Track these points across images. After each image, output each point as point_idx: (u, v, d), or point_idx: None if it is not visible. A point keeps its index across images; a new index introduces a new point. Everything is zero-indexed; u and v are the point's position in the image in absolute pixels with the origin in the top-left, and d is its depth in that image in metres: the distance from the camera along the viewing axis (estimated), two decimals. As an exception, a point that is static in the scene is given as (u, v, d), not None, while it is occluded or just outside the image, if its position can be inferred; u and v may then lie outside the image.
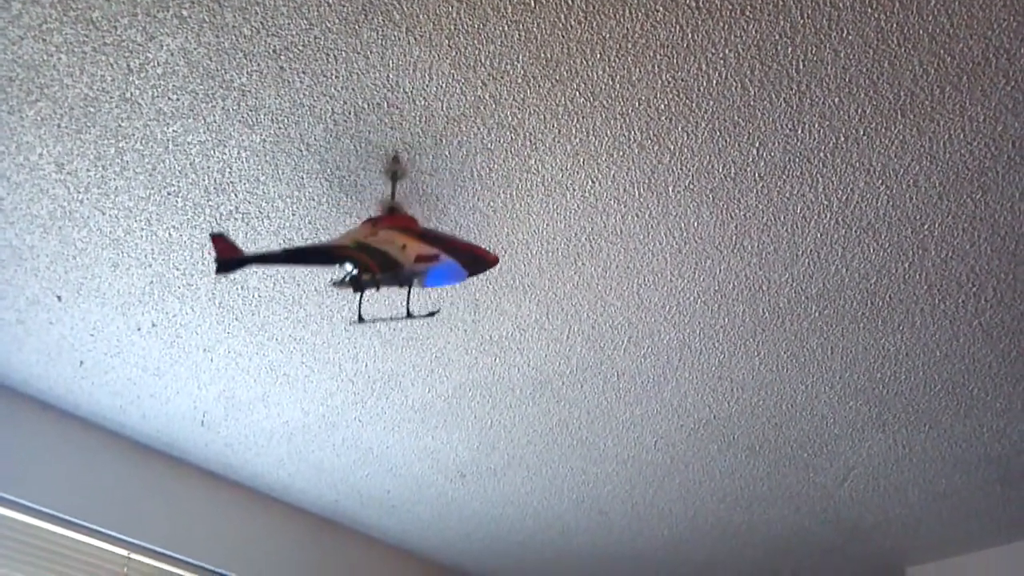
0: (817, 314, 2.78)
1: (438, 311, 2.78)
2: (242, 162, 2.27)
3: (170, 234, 2.50)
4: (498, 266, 2.60)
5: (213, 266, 2.57)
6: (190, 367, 3.03)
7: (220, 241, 2.15)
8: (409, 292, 2.52)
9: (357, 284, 2.38)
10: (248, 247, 2.53)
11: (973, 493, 3.78)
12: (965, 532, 4.13)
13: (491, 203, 2.40)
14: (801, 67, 2.05)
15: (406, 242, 2.32)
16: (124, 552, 3.37)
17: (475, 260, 2.35)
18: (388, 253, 2.31)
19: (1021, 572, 4.18)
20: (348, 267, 2.25)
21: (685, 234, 2.50)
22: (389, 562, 4.27)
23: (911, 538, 4.18)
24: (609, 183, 2.34)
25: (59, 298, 2.73)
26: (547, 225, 2.47)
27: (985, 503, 3.87)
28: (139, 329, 2.85)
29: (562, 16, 1.95)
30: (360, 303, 2.71)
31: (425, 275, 2.39)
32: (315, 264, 2.38)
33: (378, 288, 2.40)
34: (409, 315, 2.45)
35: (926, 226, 2.47)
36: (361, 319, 2.74)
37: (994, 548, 4.28)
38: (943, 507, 3.90)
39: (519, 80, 2.08)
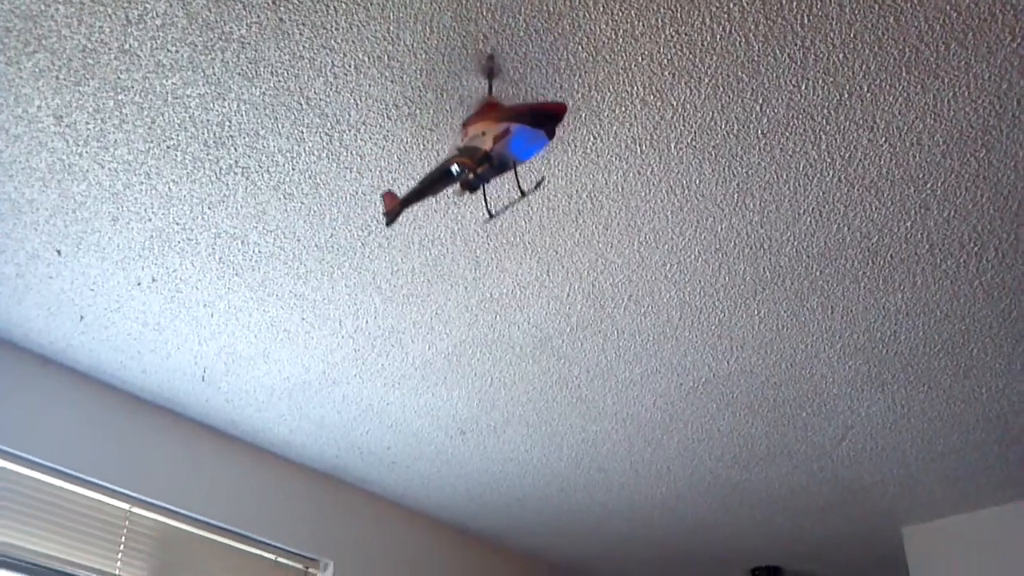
0: (818, 273, 2.78)
1: (543, 180, 2.66)
2: (241, 115, 2.26)
3: (170, 188, 2.48)
4: (498, 222, 2.60)
5: (217, 222, 2.58)
6: (190, 322, 3.03)
7: (388, 197, 2.26)
8: (516, 173, 2.52)
9: (467, 184, 2.41)
10: (248, 202, 2.52)
11: (970, 453, 3.80)
12: (962, 492, 4.16)
13: (492, 159, 2.39)
14: (806, 22, 2.03)
15: (485, 128, 2.33)
16: (125, 506, 3.39)
17: (543, 117, 2.32)
18: (475, 146, 2.32)
19: (1017, 532, 4.21)
20: (455, 171, 2.28)
21: (687, 192, 2.49)
22: (389, 518, 4.29)
23: (908, 498, 4.21)
24: (611, 140, 2.33)
25: (59, 252, 2.72)
26: (548, 181, 2.46)
27: (982, 463, 3.89)
28: (139, 284, 2.85)
29: (565, -32, 1.93)
30: (485, 201, 2.69)
31: (509, 152, 2.39)
32: (441, 185, 2.41)
33: (487, 181, 2.41)
34: (522, 193, 2.45)
35: (929, 185, 2.46)
36: (490, 215, 2.73)
37: (991, 508, 4.31)
38: (940, 467, 3.91)
39: (520, 33, 2.07)
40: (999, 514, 4.28)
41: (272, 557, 3.82)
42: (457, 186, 2.45)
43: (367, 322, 3.02)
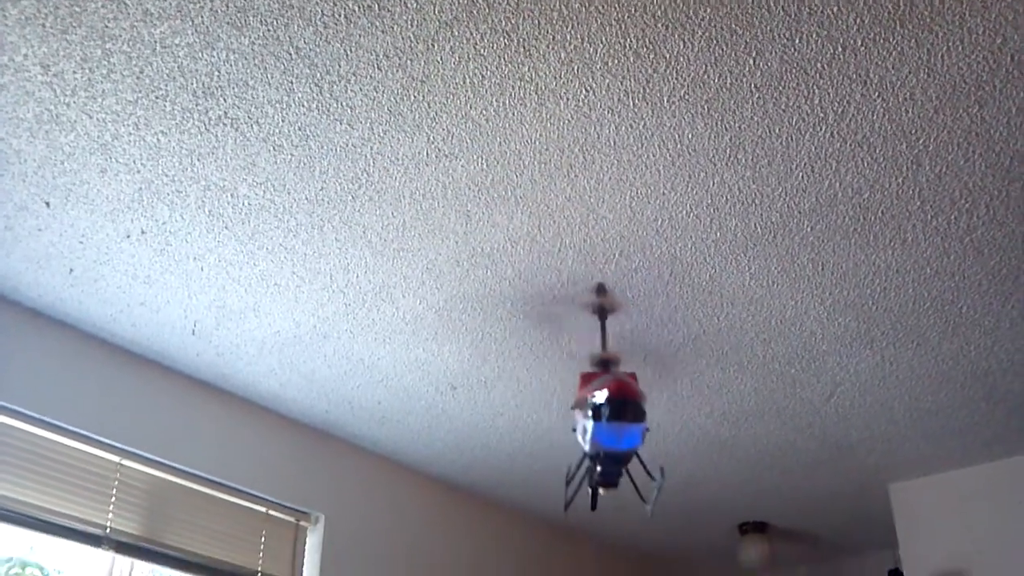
0: (809, 229, 2.78)
1: (663, 470, 3.07)
2: (231, 65, 2.24)
3: (158, 139, 2.47)
4: (488, 176, 2.59)
5: (206, 174, 2.56)
6: (180, 276, 3.02)
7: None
8: (641, 461, 2.85)
9: (604, 485, 2.82)
10: (238, 153, 2.51)
11: (958, 410, 3.83)
12: (949, 449, 4.19)
13: (483, 111, 2.37)
14: (800, -26, 2.02)
15: (578, 415, 2.74)
16: (116, 458, 3.40)
17: (613, 406, 2.55)
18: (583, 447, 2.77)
19: (1001, 489, 4.25)
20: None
21: (679, 146, 2.48)
22: (380, 473, 4.32)
23: (895, 454, 4.25)
24: (603, 93, 2.31)
25: (47, 204, 2.70)
26: (540, 135, 2.45)
27: (969, 420, 3.92)
28: (128, 236, 2.84)
29: (558, -83, 1.91)
30: (640, 496, 3.11)
31: (603, 447, 2.62)
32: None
33: (616, 474, 2.76)
34: (651, 478, 2.82)
35: (921, 141, 2.45)
36: (648, 508, 3.12)
37: (977, 465, 4.35)
38: (928, 424, 3.94)
39: (513, -16, 2.04)
40: (986, 471, 4.33)
41: (263, 510, 3.84)
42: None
43: (357, 276, 3.02)
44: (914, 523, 4.47)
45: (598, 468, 2.77)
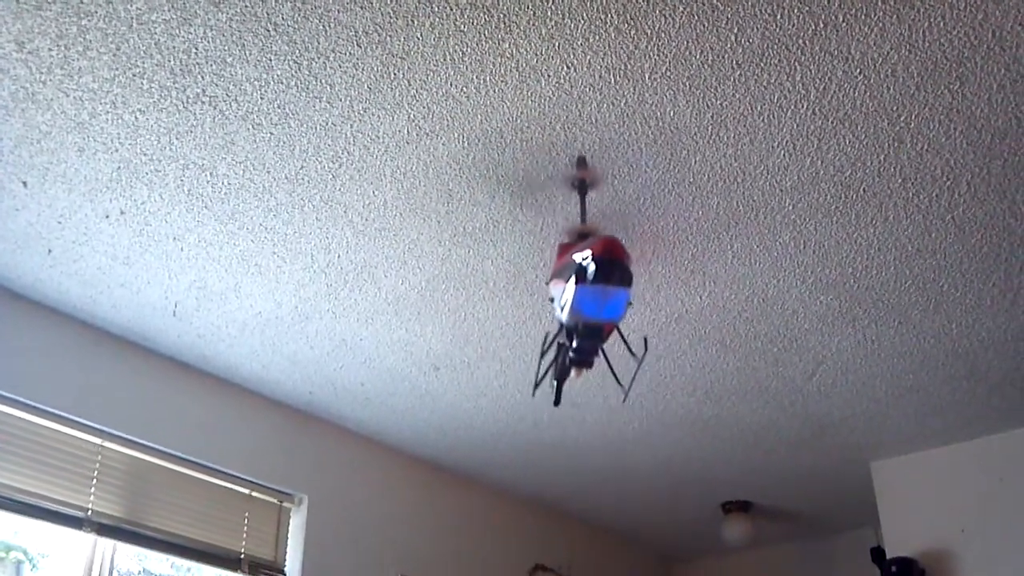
0: (791, 207, 2.78)
1: (646, 340, 2.97)
2: (208, 42, 2.21)
3: (136, 118, 2.44)
4: (469, 155, 2.57)
5: (184, 153, 2.54)
6: (160, 256, 3.00)
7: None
8: (622, 336, 2.60)
9: (578, 364, 2.57)
10: (217, 132, 2.48)
11: (939, 389, 3.84)
12: (930, 428, 4.21)
13: (464, 89, 2.35)
14: (782, -51, 2.01)
15: (554, 285, 2.49)
16: (97, 440, 3.39)
17: (599, 266, 2.28)
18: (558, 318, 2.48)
19: (982, 467, 4.27)
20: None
21: (661, 124, 2.47)
22: (363, 453, 4.31)
23: (877, 433, 4.26)
24: (584, 69, 2.30)
25: (24, 184, 2.68)
26: (521, 113, 2.43)
27: (951, 399, 3.93)
28: (107, 216, 2.81)
29: None
30: (616, 378, 2.86)
31: (584, 316, 2.37)
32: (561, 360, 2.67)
33: (591, 351, 2.51)
34: (633, 355, 2.62)
35: (903, 118, 2.45)
36: (625, 395, 2.97)
37: (957, 444, 4.37)
38: (909, 402, 3.96)
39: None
40: (967, 449, 4.35)
41: (246, 492, 3.84)
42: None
43: (339, 256, 3.00)
44: (895, 501, 4.50)
45: (573, 344, 2.52)
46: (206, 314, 3.32)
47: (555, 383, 2.80)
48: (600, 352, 2.61)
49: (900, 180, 2.67)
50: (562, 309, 2.47)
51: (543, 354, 2.73)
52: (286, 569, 3.88)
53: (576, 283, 2.34)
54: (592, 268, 2.31)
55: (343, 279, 3.12)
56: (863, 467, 4.62)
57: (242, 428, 3.84)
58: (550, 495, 5.05)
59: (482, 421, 4.16)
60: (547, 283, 2.63)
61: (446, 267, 3.06)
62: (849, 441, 4.35)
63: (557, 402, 2.85)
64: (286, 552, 3.91)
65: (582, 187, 2.69)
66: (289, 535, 3.95)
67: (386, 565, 4.24)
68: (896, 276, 3.09)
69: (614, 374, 2.80)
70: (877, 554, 4.40)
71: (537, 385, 2.84)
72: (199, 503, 3.67)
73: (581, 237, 2.78)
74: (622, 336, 2.65)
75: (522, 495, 5.05)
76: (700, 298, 3.22)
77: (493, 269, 3.07)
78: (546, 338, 2.73)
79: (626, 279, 2.37)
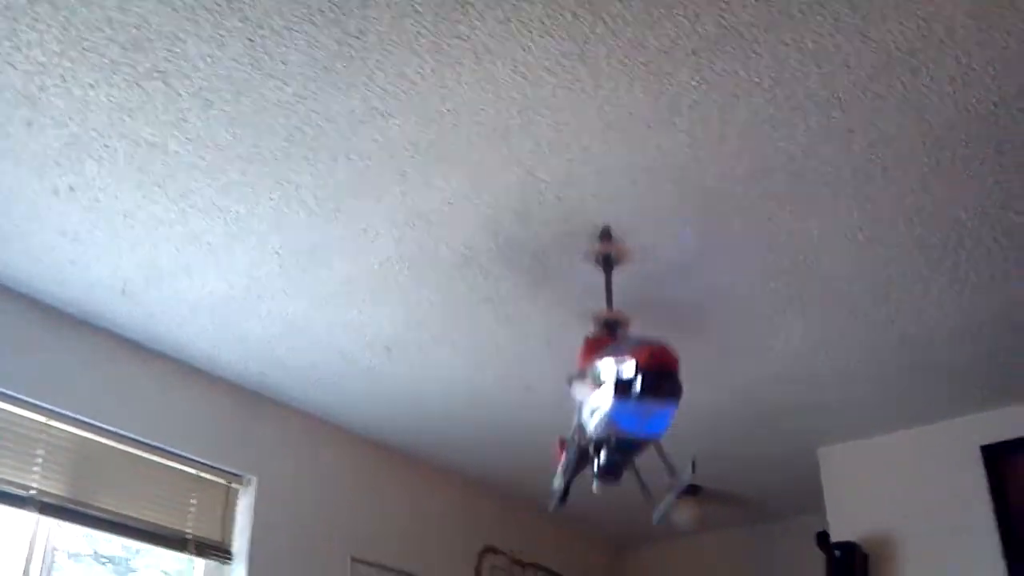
0: (743, 195, 2.79)
1: (694, 461, 2.47)
2: (160, 17, 2.18)
3: (86, 92, 2.40)
4: (424, 136, 2.56)
5: (135, 129, 2.50)
6: (110, 233, 2.95)
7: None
8: (663, 455, 2.34)
9: (604, 476, 2.34)
10: (168, 109, 2.45)
11: (886, 377, 3.90)
12: (876, 415, 4.28)
13: (419, 70, 2.34)
14: (738, -63, 2.01)
15: (582, 392, 2.24)
16: (43, 419, 3.34)
17: (649, 379, 2.03)
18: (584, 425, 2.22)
19: (926, 455, 4.35)
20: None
21: (616, 109, 2.47)
22: (314, 435, 4.29)
23: (825, 420, 4.32)
24: (541, 53, 2.29)
25: (-30, 157, 2.63)
26: (477, 96, 2.43)
27: (897, 387, 3.99)
28: (56, 192, 2.77)
29: None
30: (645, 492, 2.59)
31: (619, 430, 2.13)
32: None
33: (622, 464, 2.30)
34: (673, 480, 2.31)
35: (855, 109, 2.47)
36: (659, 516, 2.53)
37: (903, 431, 4.44)
38: (857, 390, 4.02)
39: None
40: (912, 436, 4.42)
41: (194, 472, 3.81)
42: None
43: (292, 236, 2.98)
44: (841, 487, 4.56)
45: (601, 455, 2.31)
46: (156, 293, 3.29)
47: (563, 484, 2.58)
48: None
49: (851, 171, 2.69)
50: (591, 416, 2.24)
51: (568, 466, 2.51)
52: (233, 550, 3.86)
53: (616, 396, 2.12)
54: (639, 383, 2.10)
55: (295, 259, 3.10)
56: (811, 453, 4.68)
57: (191, 409, 3.81)
58: (502, 478, 5.06)
59: (434, 404, 4.15)
60: (568, 382, 2.38)
61: (400, 249, 3.05)
62: (798, 428, 4.40)
63: (562, 503, 2.62)
64: (234, 533, 3.89)
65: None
66: (237, 516, 3.92)
67: (335, 547, 4.23)
68: (846, 265, 3.13)
69: (645, 490, 2.54)
70: (822, 539, 4.46)
71: (563, 500, 2.58)
72: (146, 483, 3.64)
73: (609, 328, 2.55)
74: (662, 455, 2.37)
75: (473, 477, 5.06)
76: (651, 285, 3.23)
77: (447, 252, 3.06)
78: (570, 442, 2.48)
79: (676, 392, 2.16)
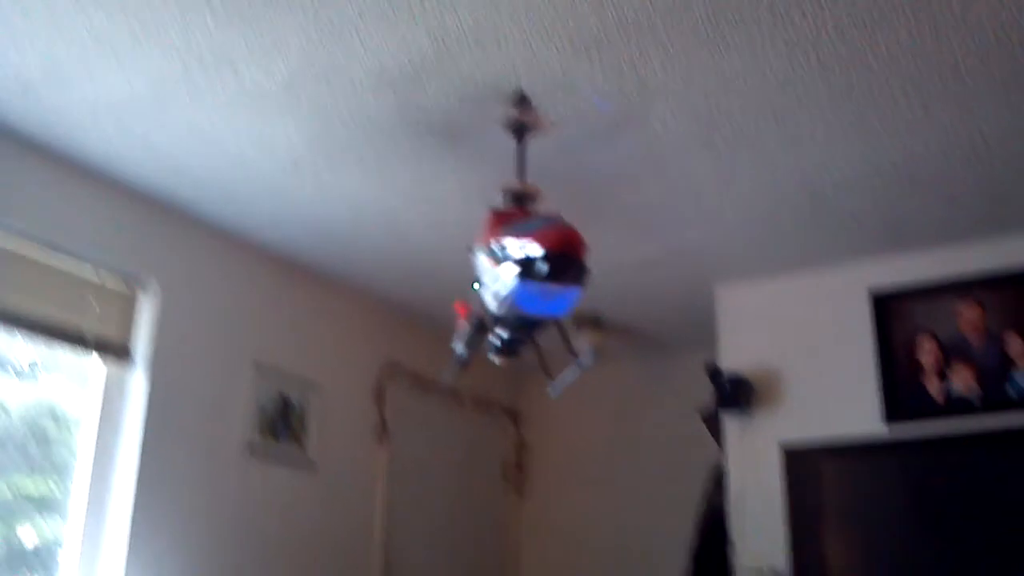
0: (662, 27, 2.77)
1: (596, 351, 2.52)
2: None
3: None
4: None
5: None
6: (6, 29, 2.82)
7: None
8: (563, 334, 2.37)
9: (500, 353, 2.33)
10: None
11: (785, 220, 4.01)
12: (773, 257, 4.42)
13: None
14: None
15: (485, 265, 2.19)
16: (-64, 216, 3.26)
17: (552, 263, 1.99)
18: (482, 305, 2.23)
19: (816, 297, 4.53)
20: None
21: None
22: (220, 248, 4.27)
23: (723, 258, 4.45)
24: None
25: None
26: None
27: (795, 231, 4.11)
28: (-54, -22, 2.62)
29: None
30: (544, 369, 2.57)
31: (520, 310, 2.09)
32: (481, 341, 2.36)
33: (519, 342, 2.25)
34: (574, 357, 2.29)
35: (777, -54, 2.45)
36: (553, 387, 2.52)
37: (796, 273, 4.59)
38: (756, 231, 4.12)
39: None
40: (804, 279, 4.58)
41: (95, 274, 3.76)
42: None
43: (198, 41, 2.88)
44: (734, 324, 4.72)
45: (501, 332, 2.30)
46: (57, 94, 3.17)
47: (465, 354, 2.54)
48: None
49: (769, 10, 2.68)
50: (492, 292, 2.20)
51: (469, 336, 2.45)
52: (135, 353, 3.87)
53: (519, 277, 2.08)
54: (544, 267, 2.08)
55: (201, 66, 3.01)
56: (708, 291, 4.81)
57: (93, 213, 3.74)
58: (407, 300, 5.12)
59: (343, 222, 4.14)
60: (469, 249, 2.28)
61: (311, 61, 2.98)
62: (697, 263, 4.52)
63: (455, 374, 2.60)
64: (136, 338, 3.89)
65: None
66: (140, 322, 3.91)
67: (238, 351, 4.27)
68: (757, 106, 3.15)
69: (545, 368, 2.55)
70: (713, 371, 4.64)
71: (464, 367, 2.56)
72: (45, 285, 3.59)
73: (517, 200, 2.45)
74: (565, 338, 2.36)
75: (377, 297, 5.10)
76: (565, 110, 3.22)
77: (358, 67, 3.00)
78: (470, 314, 2.45)
79: (581, 277, 2.14)
